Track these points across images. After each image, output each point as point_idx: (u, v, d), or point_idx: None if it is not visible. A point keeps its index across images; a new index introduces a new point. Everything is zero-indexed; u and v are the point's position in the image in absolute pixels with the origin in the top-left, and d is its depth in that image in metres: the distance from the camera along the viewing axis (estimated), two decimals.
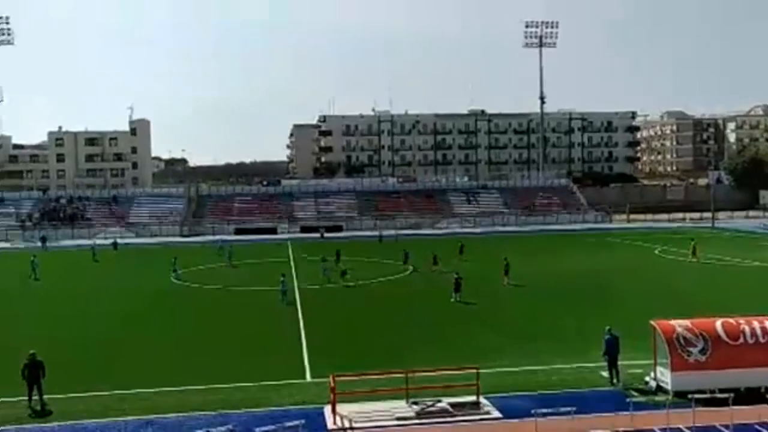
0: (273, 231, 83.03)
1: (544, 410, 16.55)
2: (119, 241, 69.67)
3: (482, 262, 48.72)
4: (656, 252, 54.62)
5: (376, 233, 72.65)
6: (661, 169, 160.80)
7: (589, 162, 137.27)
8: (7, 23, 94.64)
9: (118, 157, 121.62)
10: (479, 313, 31.99)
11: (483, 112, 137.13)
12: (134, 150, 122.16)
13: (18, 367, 19.92)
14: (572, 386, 20.21)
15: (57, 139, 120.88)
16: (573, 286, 38.82)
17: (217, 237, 71.80)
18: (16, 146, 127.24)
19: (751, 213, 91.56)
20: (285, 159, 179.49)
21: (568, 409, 16.57)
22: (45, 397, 19.62)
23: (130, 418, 18.45)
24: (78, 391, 20.61)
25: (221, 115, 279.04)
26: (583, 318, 29.70)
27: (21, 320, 33.08)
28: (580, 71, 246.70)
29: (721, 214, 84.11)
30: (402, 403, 18.68)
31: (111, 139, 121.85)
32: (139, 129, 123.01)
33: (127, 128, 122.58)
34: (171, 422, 18.07)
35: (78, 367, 23.76)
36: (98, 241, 69.69)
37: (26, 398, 19.54)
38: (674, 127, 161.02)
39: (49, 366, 20.05)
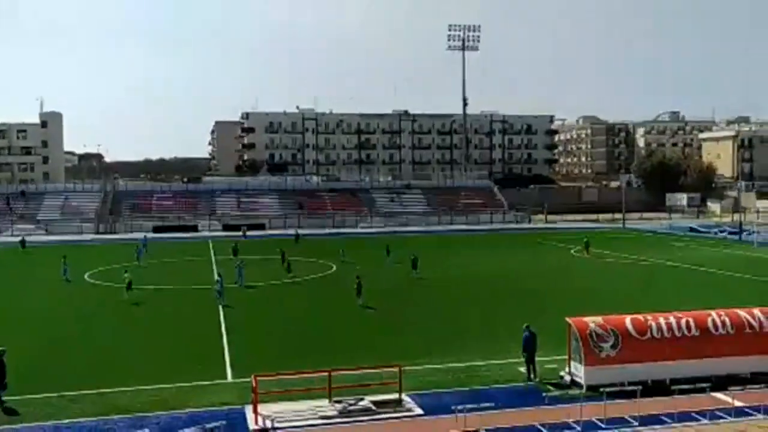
0: (194, 229, 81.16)
1: (465, 406, 16.92)
2: (28, 239, 66.33)
3: (406, 262, 49.12)
4: (572, 252, 56.67)
5: (306, 232, 72.23)
6: (576, 171, 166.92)
7: (510, 163, 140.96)
8: None
9: (27, 150, 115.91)
10: (399, 312, 32.28)
11: (407, 112, 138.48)
12: (45, 143, 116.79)
13: None
14: (491, 382, 20.73)
15: None
16: (492, 285, 39.81)
17: (139, 235, 69.10)
18: None
19: (660, 214, 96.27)
20: (207, 156, 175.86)
21: (488, 404, 17.00)
22: None
23: (41, 423, 17.67)
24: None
25: (141, 110, 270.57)
26: (501, 316, 30.52)
27: None
28: (502, 75, 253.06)
29: (632, 215, 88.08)
30: (325, 402, 18.68)
31: (19, 131, 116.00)
32: (50, 122, 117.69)
33: (37, 120, 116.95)
34: (87, 426, 17.42)
35: None
36: (5, 239, 66.15)
37: None
38: (589, 131, 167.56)
39: None
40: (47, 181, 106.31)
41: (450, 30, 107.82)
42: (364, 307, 32.43)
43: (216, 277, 36.56)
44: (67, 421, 17.79)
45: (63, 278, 42.43)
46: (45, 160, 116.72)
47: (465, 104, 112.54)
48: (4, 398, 19.21)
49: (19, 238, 65.19)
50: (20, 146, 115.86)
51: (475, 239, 71.18)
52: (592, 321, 20.56)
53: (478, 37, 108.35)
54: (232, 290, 37.41)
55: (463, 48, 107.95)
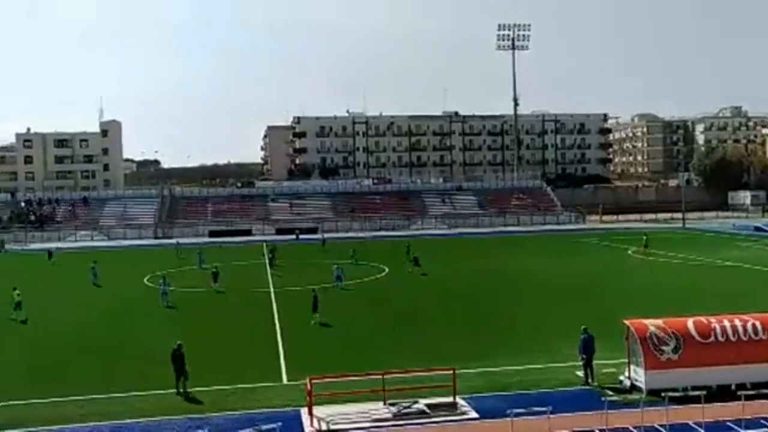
0: (248, 233, 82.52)
1: (520, 410, 16.64)
2: (89, 244, 68.45)
3: (457, 262, 48.89)
4: (629, 252, 55.30)
5: (360, 235, 72.69)
6: (632, 170, 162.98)
7: (563, 163, 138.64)
8: None
9: (89, 158, 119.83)
10: (451, 315, 32.04)
11: (457, 113, 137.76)
12: (105, 151, 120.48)
13: None
14: (548, 386, 20.35)
15: (25, 141, 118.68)
16: (547, 286, 39.16)
17: (199, 239, 70.84)
18: None
19: (721, 213, 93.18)
20: (259, 160, 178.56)
21: (544, 408, 16.68)
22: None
23: (102, 423, 18.15)
24: (34, 397, 20.26)
25: (195, 116, 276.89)
26: (557, 318, 29.96)
27: None
28: (553, 73, 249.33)
29: (691, 215, 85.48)
30: (379, 404, 18.65)
31: (81, 140, 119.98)
32: (110, 130, 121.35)
33: (97, 129, 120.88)
34: (146, 427, 17.82)
35: (29, 372, 23.41)
36: (70, 245, 68.32)
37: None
38: (645, 129, 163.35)
39: None
40: (108, 187, 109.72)
41: (499, 29, 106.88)
42: (320, 324, 29.50)
43: (160, 279, 37.44)
44: (126, 421, 18.21)
45: (92, 284, 43.15)
46: (105, 167, 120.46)
47: (516, 104, 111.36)
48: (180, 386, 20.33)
49: (50, 247, 63.64)
50: (82, 154, 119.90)
51: (527, 240, 70.25)
52: (652, 323, 19.97)
53: (529, 35, 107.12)
54: (289, 292, 37.80)
55: (513, 47, 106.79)
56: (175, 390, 20.34)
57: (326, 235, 72.59)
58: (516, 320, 30.34)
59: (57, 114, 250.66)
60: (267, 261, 50.14)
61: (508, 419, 16.58)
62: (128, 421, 18.22)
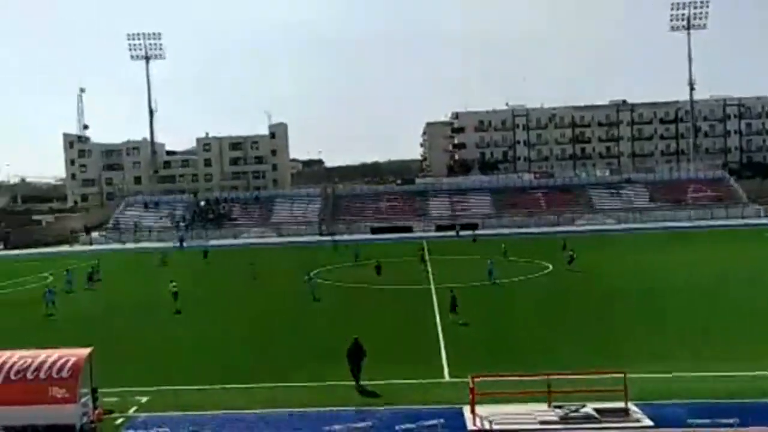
0: (408, 229, 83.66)
1: (702, 420, 15.18)
2: (261, 240, 72.61)
3: (626, 258, 46.06)
4: None
5: (513, 231, 71.30)
6: None
7: (748, 152, 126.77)
8: (159, 39, 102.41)
9: (259, 159, 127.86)
10: (622, 315, 30.15)
11: (625, 102, 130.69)
12: (273, 153, 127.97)
13: None
14: (735, 396, 18.42)
15: (205, 145, 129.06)
16: (737, 286, 35.83)
17: (359, 236, 73.20)
18: (169, 152, 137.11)
19: None
20: (418, 157, 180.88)
21: (731, 420, 15.14)
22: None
23: (275, 410, 18.99)
24: (197, 384, 21.59)
25: (356, 116, 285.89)
26: (744, 320, 27.25)
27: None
28: (735, 54, 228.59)
29: None
30: (543, 406, 17.89)
31: (253, 143, 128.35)
32: (277, 132, 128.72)
33: (266, 132, 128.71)
34: (312, 415, 18.41)
35: (211, 362, 25.01)
36: (243, 241, 73.00)
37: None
38: None
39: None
40: (276, 187, 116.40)
41: (672, 9, 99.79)
42: (457, 323, 28.84)
43: (306, 276, 38.37)
44: (295, 409, 18.92)
45: (252, 278, 45.68)
46: (274, 167, 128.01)
47: (692, 89, 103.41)
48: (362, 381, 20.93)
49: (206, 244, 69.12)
50: (253, 156, 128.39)
51: (706, 235, 64.90)
52: None
53: (707, 13, 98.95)
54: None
55: (688, 27, 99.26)
56: (354, 383, 20.77)
57: (485, 231, 71.83)
58: (694, 321, 27.95)
59: (232, 119, 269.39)
60: (419, 258, 50.44)
61: (689, 430, 15.18)
62: (295, 410, 18.91)
